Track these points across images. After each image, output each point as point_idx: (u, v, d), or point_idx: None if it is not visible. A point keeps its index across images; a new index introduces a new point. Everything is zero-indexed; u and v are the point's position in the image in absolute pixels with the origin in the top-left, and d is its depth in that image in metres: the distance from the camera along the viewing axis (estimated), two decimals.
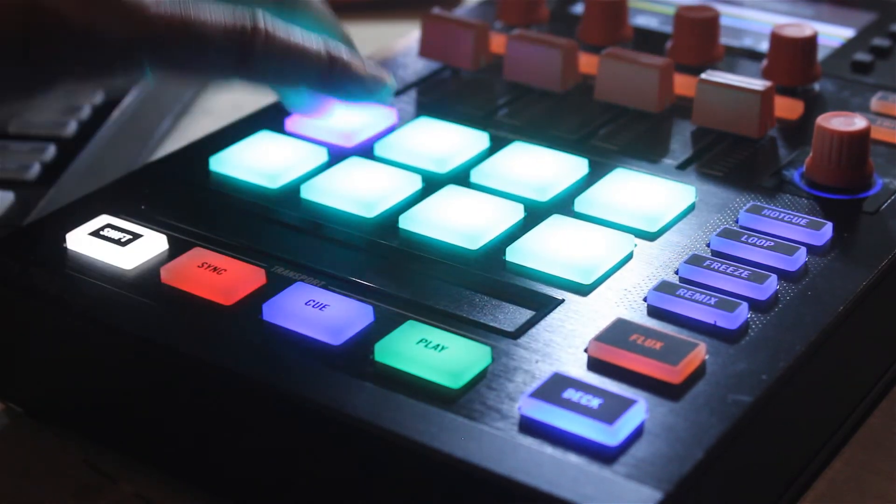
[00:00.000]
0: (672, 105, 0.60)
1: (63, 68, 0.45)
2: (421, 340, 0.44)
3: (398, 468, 0.41)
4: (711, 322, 0.45)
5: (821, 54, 0.64)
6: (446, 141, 0.57)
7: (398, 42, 0.68)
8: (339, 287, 0.47)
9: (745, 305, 0.45)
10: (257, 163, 0.55)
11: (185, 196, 0.54)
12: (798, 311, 0.46)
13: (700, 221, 0.51)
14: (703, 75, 0.58)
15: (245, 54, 0.48)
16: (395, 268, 0.49)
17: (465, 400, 0.42)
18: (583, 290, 0.47)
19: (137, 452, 0.48)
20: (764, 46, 0.65)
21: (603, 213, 0.51)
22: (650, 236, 0.50)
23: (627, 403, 0.41)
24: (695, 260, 0.48)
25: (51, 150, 0.63)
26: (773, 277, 0.47)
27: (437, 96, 0.62)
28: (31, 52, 0.44)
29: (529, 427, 0.41)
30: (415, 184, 0.54)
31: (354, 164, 0.55)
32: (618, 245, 0.49)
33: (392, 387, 0.43)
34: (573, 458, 0.40)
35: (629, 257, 0.49)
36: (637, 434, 0.40)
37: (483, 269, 0.49)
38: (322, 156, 0.56)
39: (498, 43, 0.64)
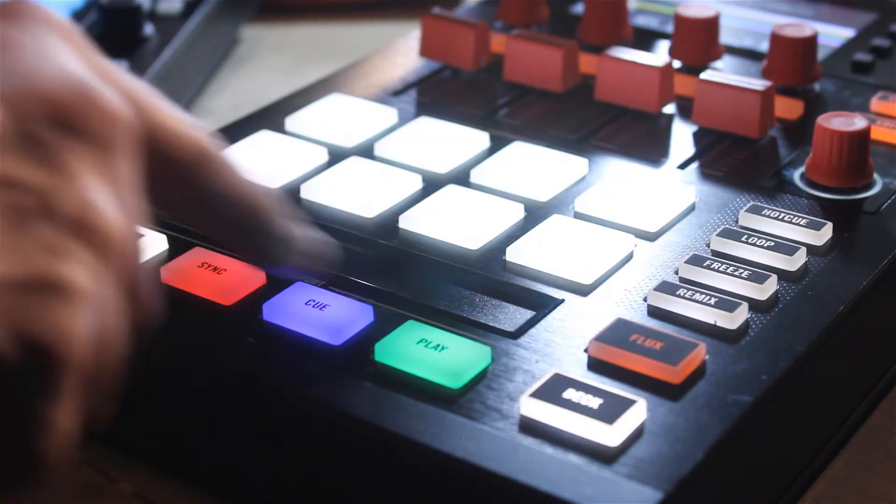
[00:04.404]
0: (672, 105, 0.60)
1: None
2: (421, 340, 0.44)
3: (398, 468, 0.41)
4: (711, 322, 0.45)
5: (821, 54, 0.64)
6: (446, 141, 0.57)
7: (398, 42, 0.68)
8: (339, 287, 0.47)
9: (745, 305, 0.45)
10: (257, 163, 0.55)
11: None
12: (798, 311, 0.46)
13: (700, 221, 0.51)
14: (703, 75, 0.58)
15: None
16: (395, 268, 0.49)
17: (466, 400, 0.42)
18: (583, 290, 0.47)
19: (137, 452, 0.48)
20: (764, 46, 0.65)
21: (603, 213, 0.51)
22: (650, 236, 0.50)
23: (627, 403, 0.41)
24: (695, 260, 0.48)
25: None
26: (773, 277, 0.47)
27: (437, 96, 0.62)
28: None
29: (529, 427, 0.41)
30: (415, 184, 0.54)
31: (354, 164, 0.55)
32: (618, 245, 0.49)
33: (392, 387, 0.43)
34: (573, 458, 0.40)
35: (629, 257, 0.49)
36: (637, 434, 0.40)
37: (483, 269, 0.49)
38: (322, 156, 0.56)
39: (498, 43, 0.64)
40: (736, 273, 0.47)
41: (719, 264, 0.47)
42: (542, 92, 0.61)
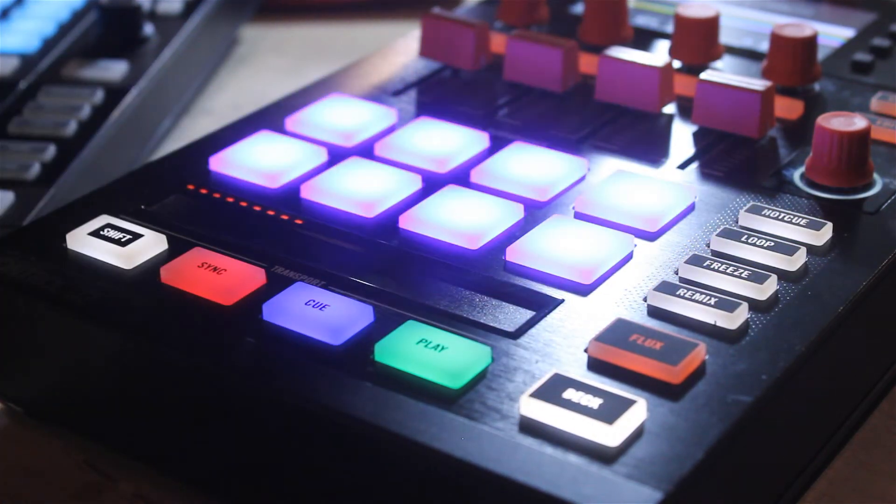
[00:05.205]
0: (672, 105, 0.60)
1: None
2: (421, 340, 0.44)
3: (398, 468, 0.41)
4: (711, 322, 0.45)
5: (821, 54, 0.64)
6: (446, 141, 0.57)
7: (398, 42, 0.68)
8: (339, 287, 0.47)
9: (745, 305, 0.45)
10: (257, 163, 0.55)
11: (185, 196, 0.54)
12: (798, 311, 0.46)
13: (700, 221, 0.51)
14: (703, 75, 0.58)
15: None
16: (395, 268, 0.49)
17: (465, 400, 0.42)
18: (583, 290, 0.47)
19: (137, 452, 0.48)
20: (764, 46, 0.65)
21: (603, 213, 0.51)
22: (650, 236, 0.50)
23: (627, 403, 0.41)
24: (695, 260, 0.48)
25: (51, 150, 0.63)
26: (773, 277, 0.47)
27: (437, 96, 0.62)
28: None
29: (529, 427, 0.41)
30: (415, 184, 0.54)
31: (354, 164, 0.55)
32: (618, 245, 0.49)
33: (392, 387, 0.43)
34: (573, 458, 0.40)
35: (629, 257, 0.49)
36: (637, 434, 0.40)
37: (483, 269, 0.49)
38: (322, 156, 0.56)
39: (498, 43, 0.65)
40: (736, 273, 0.47)
41: (719, 264, 0.47)
42: (542, 92, 0.61)
